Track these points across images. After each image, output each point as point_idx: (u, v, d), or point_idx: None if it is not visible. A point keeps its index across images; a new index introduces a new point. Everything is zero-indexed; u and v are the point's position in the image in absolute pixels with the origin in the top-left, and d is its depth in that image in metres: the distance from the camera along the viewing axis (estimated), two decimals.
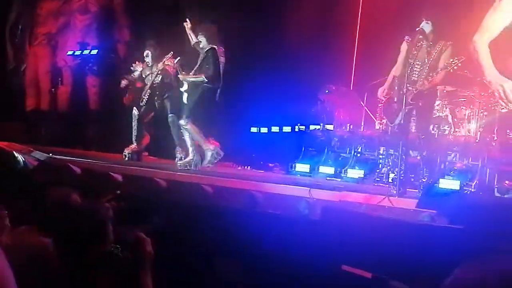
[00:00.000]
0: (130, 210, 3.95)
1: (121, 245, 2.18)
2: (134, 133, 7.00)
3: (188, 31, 6.77)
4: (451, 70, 5.09)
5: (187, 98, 6.61)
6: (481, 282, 1.04)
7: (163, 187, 5.19)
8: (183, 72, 6.69)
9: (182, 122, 6.58)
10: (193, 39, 6.75)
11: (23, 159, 5.89)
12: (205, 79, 6.51)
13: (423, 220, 3.73)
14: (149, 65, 7.26)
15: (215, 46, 6.57)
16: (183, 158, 6.66)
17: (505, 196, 4.92)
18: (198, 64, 6.62)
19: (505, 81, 3.84)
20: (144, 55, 7.26)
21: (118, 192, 4.42)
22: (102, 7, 10.51)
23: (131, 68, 7.22)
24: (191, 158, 6.54)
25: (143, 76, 7.30)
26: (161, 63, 6.89)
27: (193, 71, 6.65)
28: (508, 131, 5.39)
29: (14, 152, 6.03)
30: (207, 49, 6.57)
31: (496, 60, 3.94)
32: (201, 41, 6.62)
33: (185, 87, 6.67)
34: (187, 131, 6.55)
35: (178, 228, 3.91)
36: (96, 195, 4.02)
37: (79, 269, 2.05)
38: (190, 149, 6.58)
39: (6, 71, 10.11)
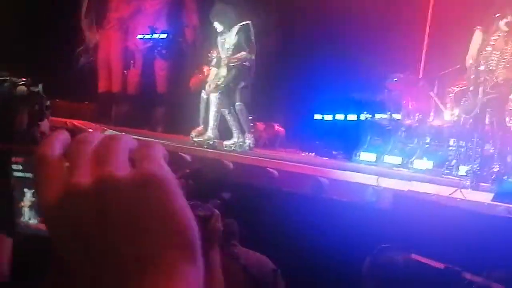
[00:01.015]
0: (198, 188, 4.05)
1: None
2: (202, 116, 7.11)
3: None
4: None
5: (232, 81, 6.62)
6: None
7: (229, 169, 5.28)
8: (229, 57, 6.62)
9: (237, 105, 6.62)
10: None
11: None
12: (248, 54, 6.49)
13: (499, 213, 3.58)
14: None
15: (248, 22, 6.47)
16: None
17: None
18: (234, 46, 6.52)
19: None
20: None
21: (187, 170, 4.55)
22: None
23: (209, 56, 7.27)
24: (235, 140, 6.63)
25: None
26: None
27: (227, 54, 6.57)
28: None
29: (90, 131, 6.31)
30: (237, 29, 6.49)
31: None
32: (216, 27, 6.60)
33: (224, 71, 6.64)
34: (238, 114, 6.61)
35: (243, 209, 3.97)
36: None
37: None
38: (237, 131, 6.65)
39: (82, 55, 10.55)
